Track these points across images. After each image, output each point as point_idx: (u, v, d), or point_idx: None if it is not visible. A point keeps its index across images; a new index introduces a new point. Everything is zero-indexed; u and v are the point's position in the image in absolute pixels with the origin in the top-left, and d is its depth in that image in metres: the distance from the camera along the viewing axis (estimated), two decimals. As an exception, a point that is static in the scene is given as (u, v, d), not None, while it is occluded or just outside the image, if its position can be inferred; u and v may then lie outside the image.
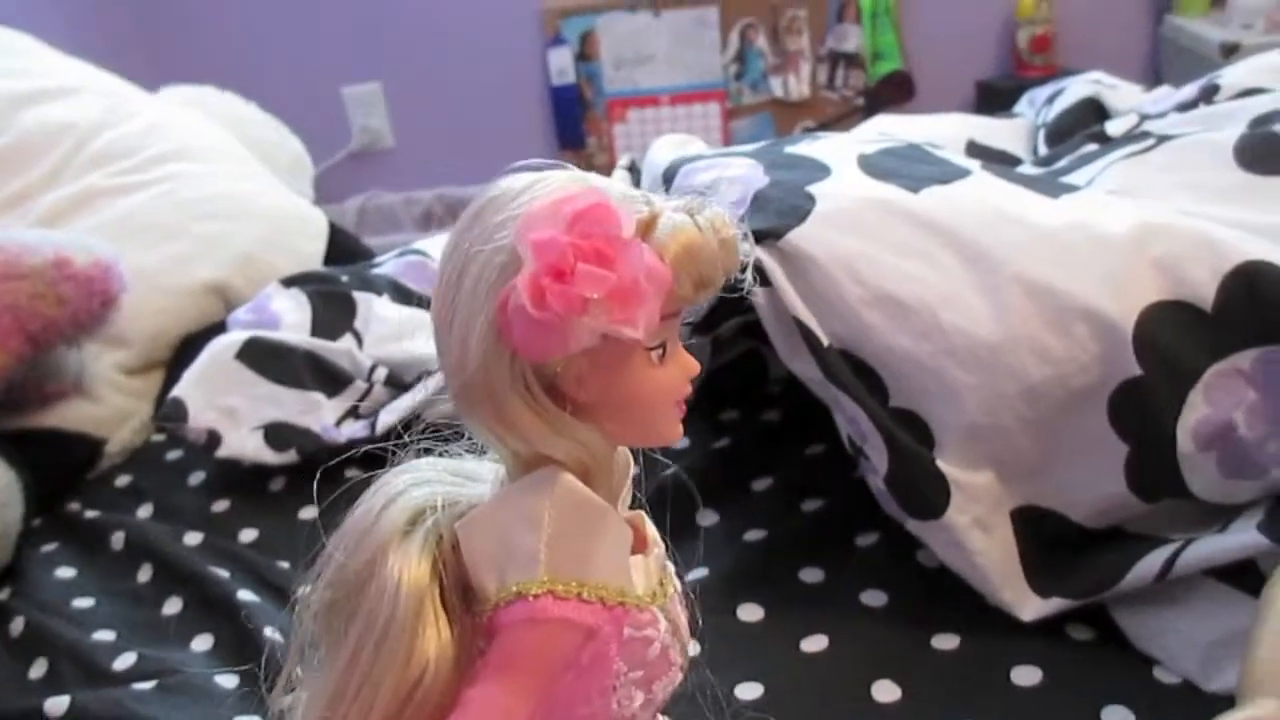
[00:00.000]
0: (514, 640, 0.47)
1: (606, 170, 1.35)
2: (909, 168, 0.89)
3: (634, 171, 1.27)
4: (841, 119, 2.59)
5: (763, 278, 0.84)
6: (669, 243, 0.46)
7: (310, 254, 1.46)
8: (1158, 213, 0.84)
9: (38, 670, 0.92)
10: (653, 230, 0.47)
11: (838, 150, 0.92)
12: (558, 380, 0.47)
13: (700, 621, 0.57)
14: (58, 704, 0.84)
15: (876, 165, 0.90)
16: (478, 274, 0.46)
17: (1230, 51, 2.12)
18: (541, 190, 0.47)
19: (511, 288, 0.45)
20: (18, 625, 0.96)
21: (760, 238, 0.84)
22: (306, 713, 0.51)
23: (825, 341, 0.82)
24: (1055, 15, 2.54)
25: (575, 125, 2.67)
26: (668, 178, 0.97)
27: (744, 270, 0.51)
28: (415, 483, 0.52)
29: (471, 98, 2.66)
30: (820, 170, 0.89)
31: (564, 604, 0.47)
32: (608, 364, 0.47)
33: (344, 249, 1.52)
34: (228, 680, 0.87)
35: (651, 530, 0.55)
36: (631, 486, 0.55)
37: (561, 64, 2.62)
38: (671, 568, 0.56)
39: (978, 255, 0.81)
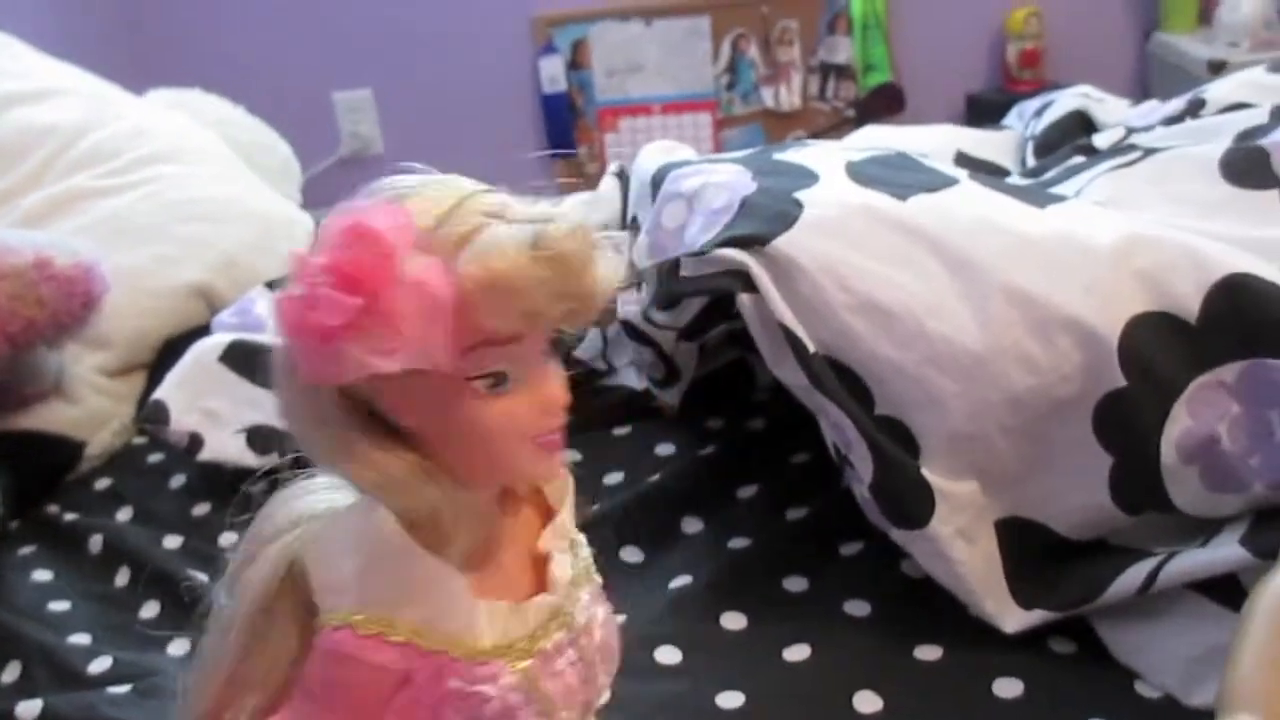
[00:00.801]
0: (319, 670, 0.46)
1: (599, 178, 1.34)
2: (897, 175, 0.89)
3: (623, 178, 1.26)
4: (832, 130, 2.59)
5: (749, 284, 0.83)
6: (474, 266, 0.41)
7: (296, 258, 1.45)
8: (1143, 224, 0.84)
9: (10, 674, 0.91)
10: (463, 249, 0.41)
11: (826, 158, 0.92)
12: (377, 405, 0.44)
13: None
14: (30, 708, 0.83)
15: (864, 173, 0.90)
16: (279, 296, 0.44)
17: (1217, 68, 2.13)
18: (353, 208, 0.43)
19: (278, 308, 0.42)
20: (-8, 628, 0.95)
21: (747, 244, 0.84)
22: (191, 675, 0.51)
23: (811, 348, 0.82)
24: (1045, 30, 2.56)
25: (566, 134, 2.67)
26: (655, 183, 0.97)
27: (629, 287, 0.47)
28: (305, 490, 0.51)
29: (462, 105, 2.66)
30: (808, 177, 0.89)
31: (363, 641, 0.44)
32: (424, 392, 0.43)
33: (330, 253, 1.51)
34: (204, 685, 0.86)
35: (560, 574, 0.49)
36: (570, 518, 0.51)
37: (553, 72, 2.62)
38: (590, 616, 0.51)
39: (963, 263, 0.81)
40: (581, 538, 0.53)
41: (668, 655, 0.84)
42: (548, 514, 0.51)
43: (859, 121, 2.51)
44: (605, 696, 0.53)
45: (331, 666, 0.45)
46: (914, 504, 0.81)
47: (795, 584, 0.90)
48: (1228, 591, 0.75)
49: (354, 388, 0.43)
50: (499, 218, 0.42)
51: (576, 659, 0.49)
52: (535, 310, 0.41)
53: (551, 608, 0.48)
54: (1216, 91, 1.16)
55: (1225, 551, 0.75)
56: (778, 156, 0.94)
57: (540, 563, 0.50)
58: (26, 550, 1.07)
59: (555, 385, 0.45)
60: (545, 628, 0.48)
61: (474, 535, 0.46)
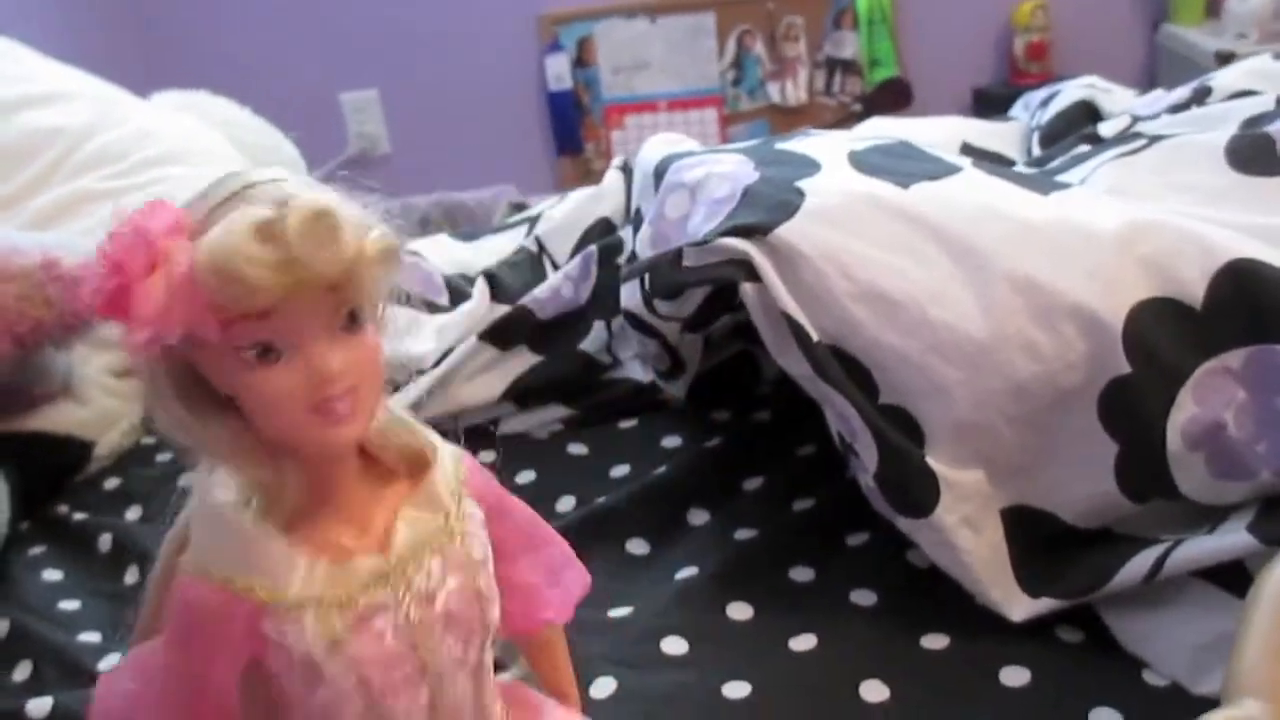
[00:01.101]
0: (171, 606, 0.52)
1: (601, 176, 1.35)
2: (899, 164, 0.89)
3: (627, 172, 1.27)
4: (838, 125, 2.59)
5: (752, 273, 0.83)
6: (201, 248, 0.45)
7: (302, 257, 1.45)
8: (1147, 211, 0.84)
9: (21, 673, 0.91)
10: (198, 232, 0.46)
11: (828, 147, 0.92)
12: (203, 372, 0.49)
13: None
14: (40, 705, 0.83)
15: (867, 162, 0.90)
16: None
17: (1226, 60, 2.12)
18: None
19: None
20: (2, 628, 0.96)
21: (750, 233, 0.84)
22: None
23: (814, 337, 0.82)
24: (1051, 23, 2.55)
25: (573, 131, 2.67)
26: (658, 174, 0.97)
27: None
28: None
29: (468, 104, 2.67)
30: (810, 166, 0.89)
31: (189, 582, 0.50)
32: (213, 365, 0.48)
33: (337, 252, 1.52)
34: (212, 681, 0.86)
35: (400, 539, 0.52)
36: (448, 490, 0.54)
37: (559, 70, 2.63)
38: (436, 584, 0.53)
39: (966, 251, 0.81)
40: (471, 508, 0.55)
41: (674, 646, 0.84)
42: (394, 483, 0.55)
43: (865, 116, 2.51)
44: (471, 660, 0.55)
45: (173, 603, 0.51)
46: (919, 492, 0.80)
47: (801, 574, 0.90)
48: (1235, 579, 0.74)
49: (184, 360, 0.48)
50: (253, 205, 0.47)
51: (402, 622, 0.51)
52: (256, 286, 0.45)
53: (374, 569, 0.51)
54: (1222, 79, 1.15)
55: (1232, 539, 0.74)
56: (780, 146, 0.94)
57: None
58: (36, 550, 1.08)
59: (326, 358, 0.47)
60: (366, 589, 0.51)
61: (300, 493, 0.50)
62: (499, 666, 0.65)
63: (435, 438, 0.55)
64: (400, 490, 0.54)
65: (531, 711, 0.61)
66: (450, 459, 0.55)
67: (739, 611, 0.87)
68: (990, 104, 2.37)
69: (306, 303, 0.47)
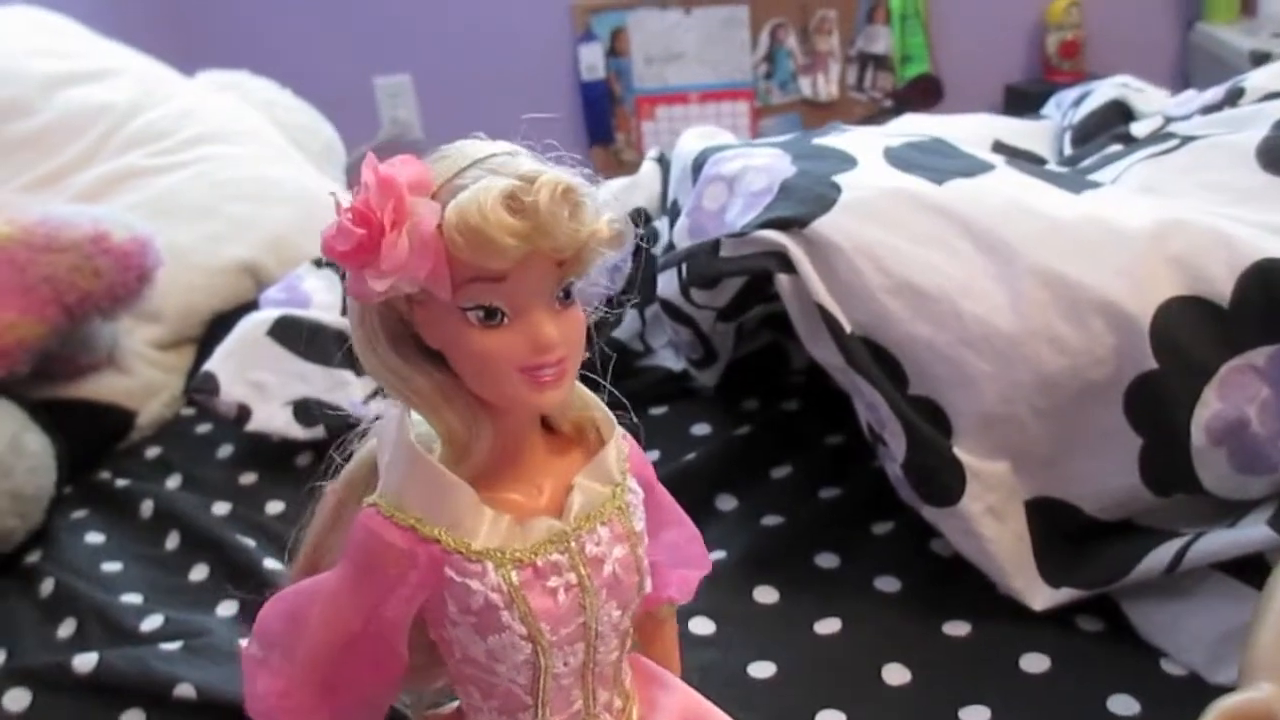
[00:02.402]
0: (353, 539, 0.53)
1: (636, 166, 1.36)
2: (933, 161, 0.91)
3: (663, 163, 1.28)
4: (869, 120, 2.59)
5: (787, 265, 0.85)
6: (452, 211, 0.48)
7: (340, 237, 1.48)
8: (1176, 209, 0.85)
9: (66, 629, 0.94)
10: (444, 194, 0.49)
11: (864, 143, 0.94)
12: (415, 327, 0.51)
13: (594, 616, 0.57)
14: (86, 660, 0.86)
15: (901, 158, 0.91)
16: None
17: (1260, 60, 2.11)
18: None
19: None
20: (47, 586, 0.99)
21: (786, 225, 0.85)
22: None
23: (848, 328, 0.84)
24: (1084, 21, 2.54)
25: (604, 121, 2.69)
26: (696, 167, 0.99)
27: (618, 241, 0.52)
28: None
29: (501, 92, 2.68)
30: (846, 161, 0.90)
31: (381, 520, 0.52)
32: (433, 318, 0.50)
33: (373, 234, 1.54)
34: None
35: (575, 505, 0.54)
36: (616, 463, 0.56)
37: (591, 60, 2.64)
38: (603, 551, 0.55)
39: (998, 246, 0.82)
40: (633, 484, 0.57)
41: (702, 626, 0.86)
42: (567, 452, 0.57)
43: (896, 112, 2.51)
44: (623, 626, 0.57)
45: (358, 536, 0.53)
46: (945, 482, 0.82)
47: (827, 560, 0.92)
48: (1254, 572, 0.76)
49: (399, 312, 0.51)
50: (498, 174, 0.49)
51: (574, 584, 0.54)
52: (501, 251, 0.47)
53: (552, 530, 0.54)
54: (1256, 80, 1.16)
55: (1252, 532, 0.76)
56: (817, 141, 0.96)
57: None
58: (79, 514, 1.11)
59: (546, 326, 0.50)
60: (544, 546, 0.53)
61: (490, 451, 0.53)
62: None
63: (611, 415, 0.58)
64: (573, 459, 0.56)
65: (654, 681, 0.63)
66: (618, 436, 0.58)
67: (765, 595, 0.89)
68: (1022, 101, 2.37)
69: (535, 272, 0.49)
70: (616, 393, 0.58)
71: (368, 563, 0.53)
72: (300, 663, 0.55)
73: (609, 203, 0.51)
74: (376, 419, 0.58)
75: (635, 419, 0.59)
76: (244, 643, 0.59)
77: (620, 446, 0.57)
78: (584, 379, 0.57)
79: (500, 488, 0.54)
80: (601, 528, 0.55)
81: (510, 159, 0.50)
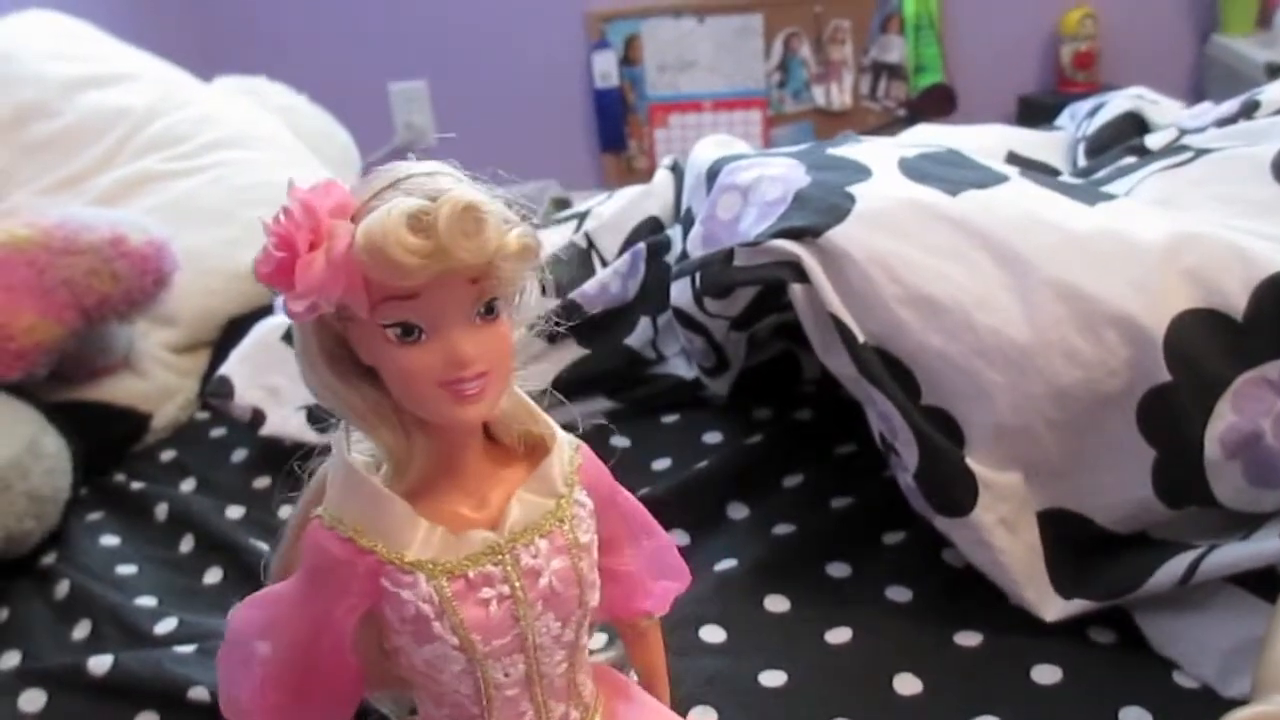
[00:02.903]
0: (304, 550, 0.55)
1: (648, 173, 1.37)
2: (948, 172, 0.91)
3: (676, 171, 1.29)
4: (882, 130, 2.60)
5: (801, 274, 0.85)
6: (360, 231, 0.49)
7: (355, 243, 1.48)
8: (1191, 222, 0.85)
9: (81, 631, 0.95)
10: (361, 215, 0.50)
11: (878, 153, 0.94)
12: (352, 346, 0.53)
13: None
14: (101, 662, 0.86)
15: (916, 168, 0.91)
16: None
17: (1276, 72, 2.11)
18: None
19: None
20: (63, 588, 0.99)
21: (800, 235, 0.86)
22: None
23: (861, 338, 0.84)
24: (1100, 32, 2.54)
25: (617, 128, 2.70)
26: (711, 176, 0.99)
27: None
28: None
29: (515, 98, 2.69)
30: (861, 171, 0.91)
31: (324, 532, 0.54)
32: (362, 338, 0.52)
33: (387, 239, 1.55)
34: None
35: (512, 518, 0.55)
36: (562, 476, 0.57)
37: (605, 67, 2.65)
38: (541, 564, 0.56)
39: (1012, 258, 0.82)
40: (581, 496, 0.58)
41: (712, 634, 0.86)
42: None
43: (910, 122, 2.51)
44: (565, 639, 0.58)
45: (306, 547, 0.55)
46: (958, 492, 0.82)
47: (838, 569, 0.92)
48: (1268, 585, 0.76)
49: (335, 331, 0.53)
50: (410, 194, 0.50)
51: (507, 595, 0.55)
52: (405, 270, 0.48)
53: (486, 541, 0.55)
54: (1271, 93, 1.15)
55: (1266, 545, 0.75)
56: (831, 151, 0.96)
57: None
58: (95, 516, 1.12)
59: (462, 343, 0.51)
60: (477, 558, 0.54)
61: (427, 465, 0.55)
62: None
63: (555, 427, 0.59)
64: (518, 472, 0.57)
65: (620, 693, 0.64)
66: (567, 447, 0.58)
67: (776, 604, 0.89)
68: (1036, 112, 2.36)
69: (449, 290, 0.50)
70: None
71: (316, 572, 0.55)
72: (269, 665, 0.57)
73: (514, 218, 0.52)
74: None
75: (583, 430, 0.61)
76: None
77: (569, 458, 0.58)
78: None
79: (441, 500, 0.55)
80: (540, 540, 0.55)
81: (428, 179, 0.51)
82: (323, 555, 0.54)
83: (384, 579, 0.54)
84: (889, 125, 2.60)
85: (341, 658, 0.56)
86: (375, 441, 0.55)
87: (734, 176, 0.94)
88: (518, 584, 0.55)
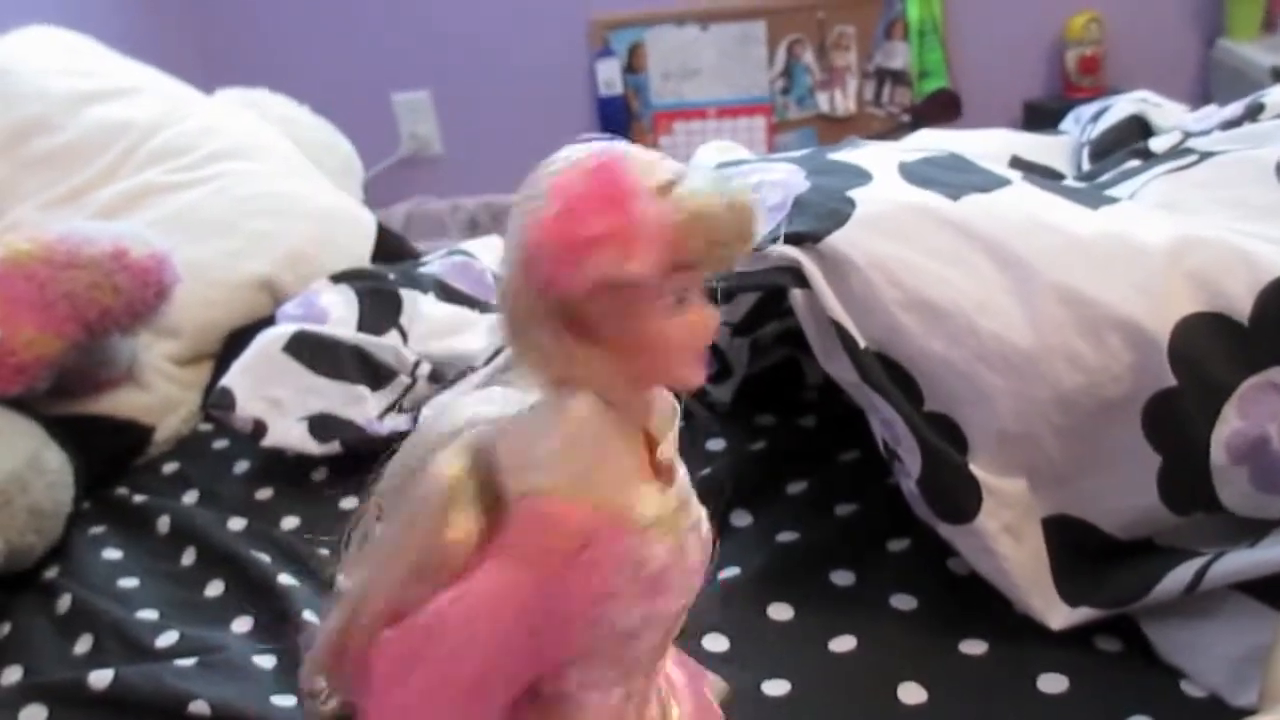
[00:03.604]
0: (520, 530, 0.53)
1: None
2: (949, 176, 0.90)
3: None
4: (887, 136, 2.59)
5: (801, 280, 0.85)
6: (684, 201, 0.51)
7: (358, 253, 1.49)
8: (1195, 225, 0.84)
9: (83, 645, 0.94)
10: (671, 191, 0.51)
11: (879, 157, 0.93)
12: (580, 316, 0.52)
13: (717, 563, 0.61)
14: (102, 677, 0.86)
15: (917, 173, 0.91)
16: (517, 219, 0.52)
17: (1281, 75, 2.11)
18: (580, 152, 0.53)
19: (531, 225, 0.51)
20: (64, 602, 0.99)
21: (800, 240, 0.85)
22: (354, 576, 0.58)
23: (862, 344, 0.84)
24: (1105, 36, 2.53)
25: (622, 136, 2.66)
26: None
27: (773, 241, 0.55)
28: (476, 400, 0.59)
29: (519, 107, 2.69)
30: (861, 176, 0.90)
31: (568, 505, 0.52)
32: (624, 304, 0.52)
33: (391, 250, 1.55)
34: (266, 660, 0.89)
35: (681, 472, 0.58)
36: (677, 428, 0.59)
37: (609, 75, 2.65)
38: (700, 512, 0.59)
39: (1014, 262, 0.82)
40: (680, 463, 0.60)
41: (715, 643, 0.85)
42: (649, 439, 0.58)
43: (914, 128, 2.51)
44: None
45: (533, 528, 0.53)
46: (961, 499, 0.82)
47: (842, 577, 0.91)
48: (1276, 592, 0.75)
49: (564, 301, 0.52)
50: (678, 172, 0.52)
51: (699, 545, 0.57)
52: (722, 241, 0.51)
53: (680, 497, 0.57)
54: (1276, 96, 1.15)
55: (1274, 552, 0.75)
56: (832, 156, 0.96)
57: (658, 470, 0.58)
58: (97, 529, 1.11)
59: (709, 312, 0.54)
60: (678, 513, 0.56)
61: (633, 424, 0.55)
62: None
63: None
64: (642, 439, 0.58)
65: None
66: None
67: (780, 612, 0.89)
68: (1041, 118, 2.36)
69: (704, 268, 0.53)
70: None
71: (543, 555, 0.52)
72: (467, 682, 0.53)
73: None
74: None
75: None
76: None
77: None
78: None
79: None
80: (695, 502, 0.58)
81: (719, 171, 0.56)
82: (561, 531, 0.52)
83: (626, 539, 0.53)
84: (893, 131, 2.59)
85: (556, 665, 0.55)
86: (610, 405, 0.54)
87: (734, 183, 0.94)
88: (703, 534, 0.57)
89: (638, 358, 0.53)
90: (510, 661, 0.54)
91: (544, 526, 0.52)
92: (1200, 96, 2.47)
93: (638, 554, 0.53)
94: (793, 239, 0.86)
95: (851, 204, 0.87)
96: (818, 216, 0.86)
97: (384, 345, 1.20)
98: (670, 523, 0.55)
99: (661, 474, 0.57)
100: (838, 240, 0.84)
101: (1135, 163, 1.13)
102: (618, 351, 0.53)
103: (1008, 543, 0.81)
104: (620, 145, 0.53)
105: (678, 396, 0.59)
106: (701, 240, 0.51)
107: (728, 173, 0.54)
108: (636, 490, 0.54)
